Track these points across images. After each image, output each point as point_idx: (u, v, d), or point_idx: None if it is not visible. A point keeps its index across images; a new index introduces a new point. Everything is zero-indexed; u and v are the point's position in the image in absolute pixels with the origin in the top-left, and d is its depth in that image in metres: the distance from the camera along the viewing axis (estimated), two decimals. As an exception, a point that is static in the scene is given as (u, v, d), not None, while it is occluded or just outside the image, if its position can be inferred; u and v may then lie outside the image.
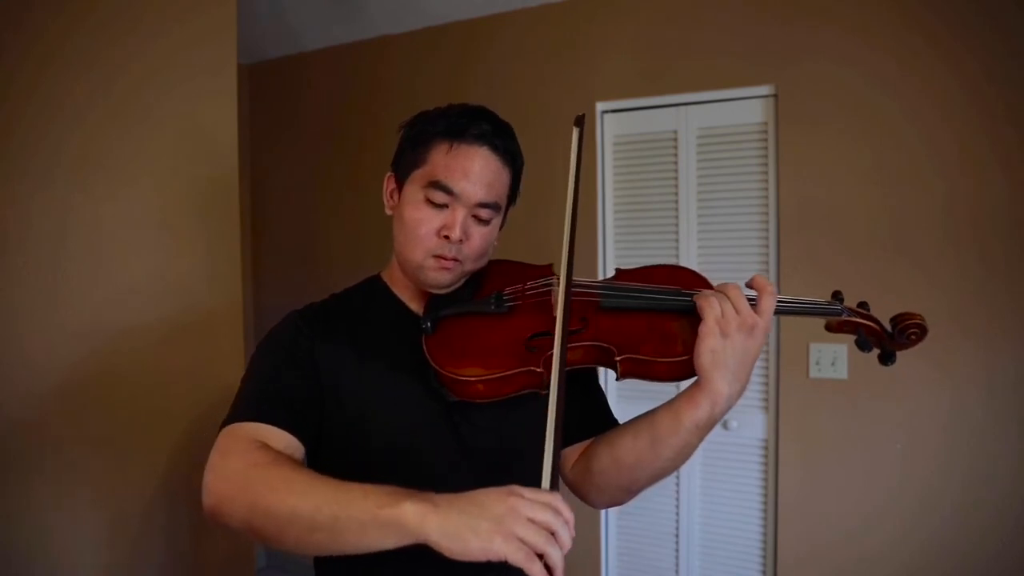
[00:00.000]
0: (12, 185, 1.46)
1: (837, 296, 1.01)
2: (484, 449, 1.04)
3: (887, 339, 1.01)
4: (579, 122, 1.01)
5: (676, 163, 2.58)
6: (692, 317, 0.94)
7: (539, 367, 0.93)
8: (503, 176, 1.04)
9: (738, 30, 2.43)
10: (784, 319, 2.40)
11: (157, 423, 1.73)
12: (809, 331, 2.32)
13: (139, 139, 1.69)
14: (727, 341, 0.89)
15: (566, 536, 0.70)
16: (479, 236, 1.03)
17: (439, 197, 1.00)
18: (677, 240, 2.59)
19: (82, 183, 1.58)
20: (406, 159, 1.06)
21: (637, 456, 1.00)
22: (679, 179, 2.57)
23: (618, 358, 0.94)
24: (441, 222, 1.00)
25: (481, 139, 1.01)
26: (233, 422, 0.93)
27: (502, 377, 0.94)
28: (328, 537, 0.76)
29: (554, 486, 0.75)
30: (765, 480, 2.49)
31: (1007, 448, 2.11)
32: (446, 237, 1.00)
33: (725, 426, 2.51)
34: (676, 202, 2.59)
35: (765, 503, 2.49)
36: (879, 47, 2.24)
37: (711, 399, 0.91)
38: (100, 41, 1.60)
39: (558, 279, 1.03)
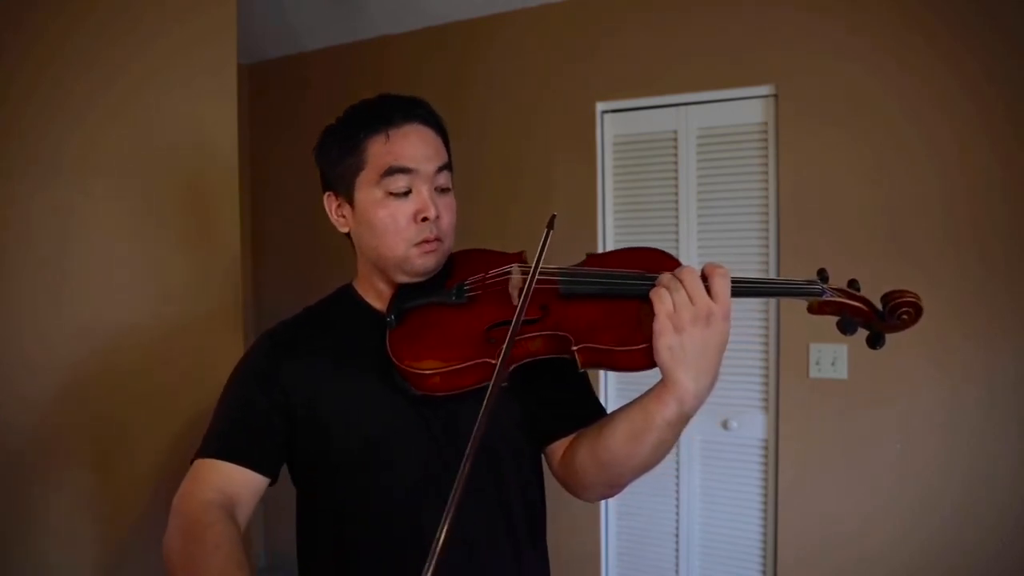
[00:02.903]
0: (12, 185, 1.47)
1: (821, 274, 0.95)
2: (456, 448, 1.01)
3: (876, 319, 0.93)
4: (551, 224, 0.97)
5: (676, 163, 2.58)
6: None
7: (494, 359, 0.89)
8: (439, 141, 1.06)
9: (738, 30, 2.43)
10: (784, 316, 2.40)
11: (157, 423, 1.73)
12: (809, 331, 2.32)
13: (139, 139, 1.69)
14: (683, 336, 0.84)
15: None
16: (447, 208, 1.04)
17: (399, 182, 1.00)
18: (677, 240, 2.59)
19: (82, 183, 1.58)
20: (342, 172, 1.05)
21: (613, 454, 0.96)
22: (679, 179, 2.57)
23: (575, 347, 0.89)
24: (413, 207, 1.01)
25: (408, 117, 1.03)
26: (203, 455, 1.00)
27: (457, 370, 0.92)
28: None
29: None
30: (765, 480, 2.49)
31: (1007, 448, 2.11)
32: (424, 219, 1.01)
33: (725, 426, 2.51)
34: (676, 202, 2.59)
35: (765, 503, 2.49)
36: (879, 47, 2.24)
37: (677, 396, 0.87)
38: (100, 41, 1.60)
39: (520, 266, 1.02)
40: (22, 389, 1.48)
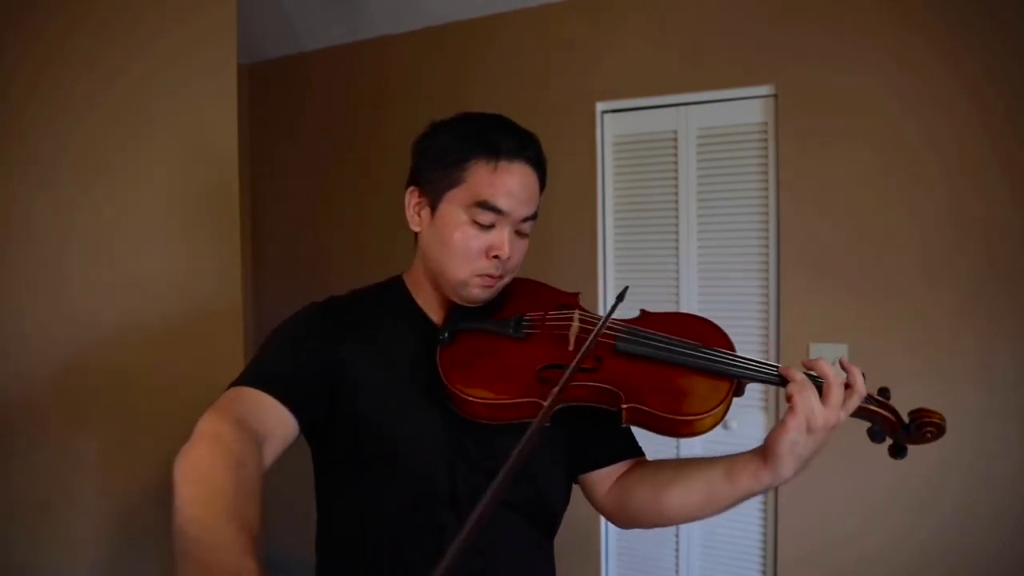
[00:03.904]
0: (13, 185, 1.47)
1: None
2: (485, 470, 1.01)
3: (901, 431, 0.99)
4: (622, 296, 1.02)
5: (676, 163, 2.58)
6: (711, 377, 0.94)
7: (543, 400, 0.91)
8: (537, 186, 1.05)
9: (738, 30, 2.43)
10: (784, 315, 2.40)
11: (156, 423, 1.73)
12: (809, 331, 2.33)
13: (139, 139, 1.69)
14: (810, 436, 0.89)
15: None
16: (519, 250, 1.04)
17: (487, 217, 0.99)
18: (677, 240, 2.59)
19: (83, 184, 1.58)
20: (437, 177, 1.02)
21: (686, 511, 1.02)
22: (679, 179, 2.57)
23: (624, 405, 0.92)
24: (488, 242, 1.00)
25: (517, 153, 1.01)
26: (240, 384, 0.93)
27: (506, 404, 0.94)
28: (177, 550, 0.68)
29: None
30: (765, 480, 2.48)
31: (1007, 448, 2.11)
32: (495, 256, 1.00)
33: (725, 426, 2.50)
34: (676, 202, 2.59)
35: (765, 502, 2.49)
36: (879, 47, 2.24)
37: (775, 479, 0.93)
38: (100, 41, 1.60)
39: (581, 314, 1.04)
40: (22, 389, 1.48)
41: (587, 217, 2.71)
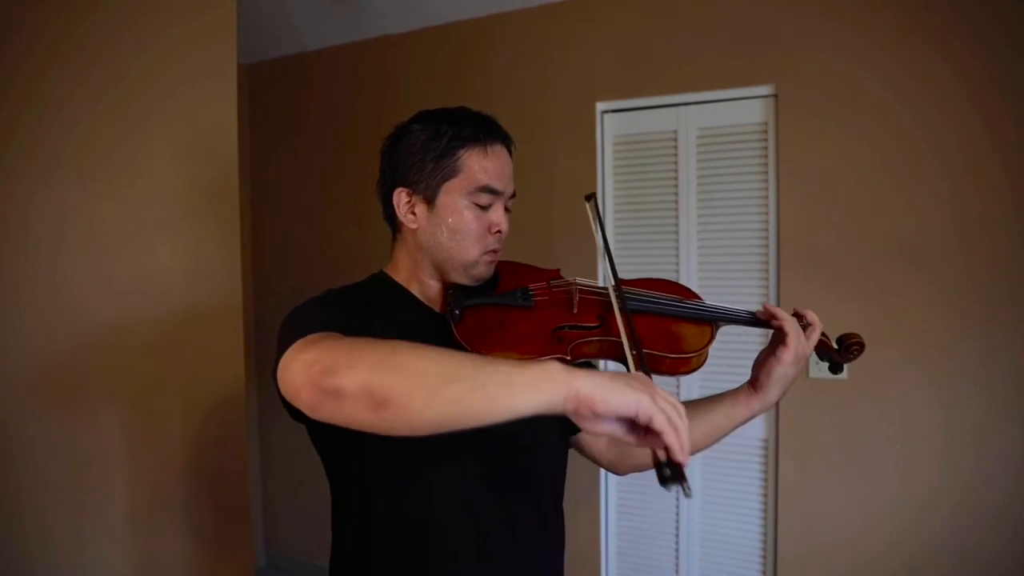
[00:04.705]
0: (12, 185, 1.47)
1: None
2: (503, 444, 1.06)
3: (836, 354, 1.19)
4: (589, 198, 1.16)
5: (676, 163, 2.58)
6: (696, 324, 1.10)
7: (567, 355, 1.01)
8: (512, 163, 1.15)
9: (738, 30, 2.43)
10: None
11: (156, 423, 1.73)
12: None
13: (139, 139, 1.69)
14: (796, 367, 1.11)
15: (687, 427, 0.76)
16: (507, 224, 1.14)
17: (486, 199, 1.08)
18: (677, 240, 2.59)
19: (82, 183, 1.58)
20: (428, 173, 1.07)
21: (692, 445, 1.11)
22: (679, 179, 2.58)
23: (633, 352, 1.02)
24: (488, 220, 1.09)
25: (498, 138, 1.10)
26: (297, 339, 0.86)
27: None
28: (467, 389, 0.74)
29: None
30: (765, 480, 2.49)
31: (1007, 448, 2.11)
32: (497, 232, 1.10)
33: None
34: (676, 202, 2.59)
35: (765, 503, 2.49)
36: (880, 46, 2.24)
37: (764, 405, 1.15)
38: (100, 41, 1.60)
39: (575, 280, 1.16)
40: (22, 390, 1.48)
41: (587, 217, 2.70)
